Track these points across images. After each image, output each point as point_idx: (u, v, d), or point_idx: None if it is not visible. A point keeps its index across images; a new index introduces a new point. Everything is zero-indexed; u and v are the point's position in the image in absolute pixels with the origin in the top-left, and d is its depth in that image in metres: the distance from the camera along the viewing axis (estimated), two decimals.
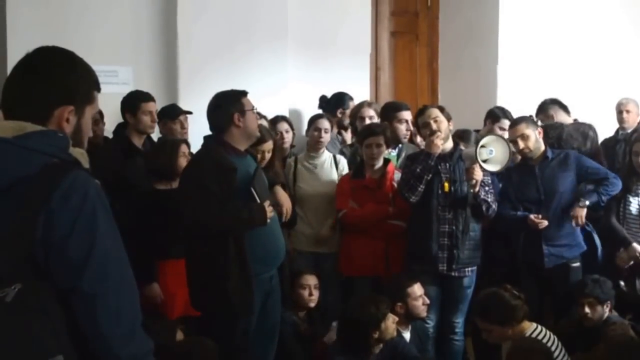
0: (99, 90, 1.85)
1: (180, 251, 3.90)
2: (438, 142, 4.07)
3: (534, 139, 4.40)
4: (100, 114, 4.70)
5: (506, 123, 5.31)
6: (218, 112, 3.55)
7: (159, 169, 4.13)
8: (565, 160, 4.43)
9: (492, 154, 4.03)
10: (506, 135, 4.66)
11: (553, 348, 3.45)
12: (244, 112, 3.52)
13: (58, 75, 1.76)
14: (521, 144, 4.38)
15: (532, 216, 4.29)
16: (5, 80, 1.78)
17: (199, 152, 3.72)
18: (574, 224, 4.33)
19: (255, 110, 3.62)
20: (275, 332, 3.81)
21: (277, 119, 4.99)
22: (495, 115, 5.38)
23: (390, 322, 3.65)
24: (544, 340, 3.50)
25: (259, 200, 3.44)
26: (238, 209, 3.41)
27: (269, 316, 3.70)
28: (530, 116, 4.99)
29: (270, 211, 3.47)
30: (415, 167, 4.10)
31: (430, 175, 4.08)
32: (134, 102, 4.43)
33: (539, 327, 3.59)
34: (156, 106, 4.57)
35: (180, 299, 3.98)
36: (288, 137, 4.97)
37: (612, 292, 4.04)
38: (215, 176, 3.39)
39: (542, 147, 4.45)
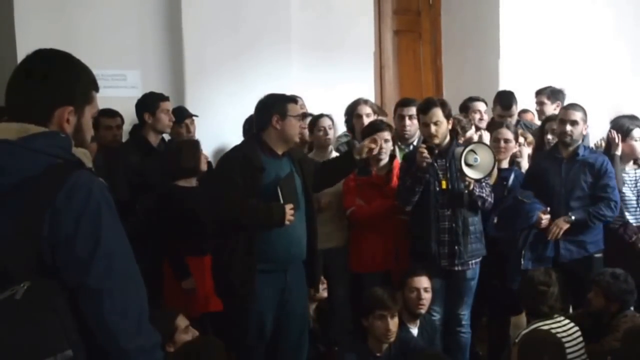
0: (97, 90, 1.88)
1: (198, 248, 4.01)
2: (426, 156, 3.94)
3: (581, 129, 4.38)
4: (122, 118, 4.79)
5: (479, 105, 5.37)
6: (260, 111, 3.64)
7: (184, 168, 4.19)
8: (593, 165, 4.37)
9: (477, 162, 3.95)
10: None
11: (569, 340, 3.46)
12: (285, 116, 3.56)
13: (56, 77, 1.79)
14: (568, 128, 4.37)
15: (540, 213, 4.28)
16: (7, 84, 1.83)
17: (236, 145, 3.82)
18: (548, 236, 4.29)
19: (300, 118, 3.68)
20: (305, 330, 3.83)
21: (321, 115, 4.92)
22: (467, 106, 5.42)
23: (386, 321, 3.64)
24: (559, 332, 3.50)
25: (282, 201, 3.46)
26: (257, 204, 3.48)
27: (293, 313, 3.72)
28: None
29: (290, 214, 3.48)
30: (406, 180, 4.05)
31: (422, 187, 4.02)
32: (154, 101, 4.55)
33: (559, 317, 3.60)
34: (171, 105, 4.68)
35: (199, 295, 4.06)
36: (331, 134, 4.83)
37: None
38: (242, 170, 3.48)
39: (580, 142, 4.42)
